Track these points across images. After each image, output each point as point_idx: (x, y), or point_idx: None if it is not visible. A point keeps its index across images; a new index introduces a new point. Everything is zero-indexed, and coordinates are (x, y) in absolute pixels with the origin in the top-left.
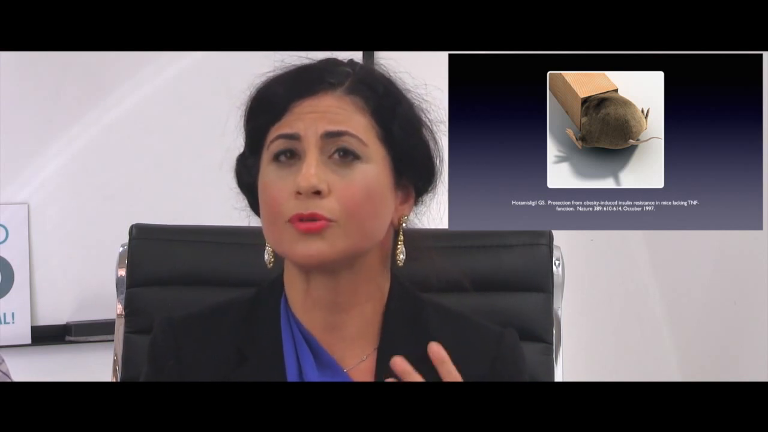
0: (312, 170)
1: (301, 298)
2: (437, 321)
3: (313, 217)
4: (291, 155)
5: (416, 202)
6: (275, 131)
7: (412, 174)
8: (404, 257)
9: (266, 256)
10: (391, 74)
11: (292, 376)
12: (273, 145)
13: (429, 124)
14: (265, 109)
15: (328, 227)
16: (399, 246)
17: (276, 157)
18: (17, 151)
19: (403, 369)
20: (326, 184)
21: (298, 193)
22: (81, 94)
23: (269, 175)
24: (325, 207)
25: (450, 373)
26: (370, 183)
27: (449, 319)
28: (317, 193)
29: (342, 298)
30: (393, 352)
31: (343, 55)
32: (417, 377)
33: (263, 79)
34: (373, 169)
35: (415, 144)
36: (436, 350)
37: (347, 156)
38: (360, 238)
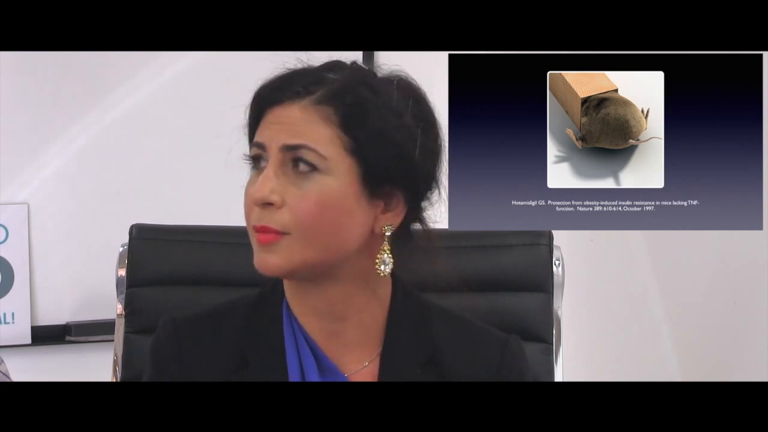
0: (266, 182)
1: (298, 304)
2: (441, 326)
3: (264, 230)
4: (261, 163)
5: (413, 209)
6: (255, 137)
7: (394, 183)
8: (386, 268)
9: None
10: (388, 78)
11: (294, 379)
12: (251, 151)
13: (425, 134)
14: (252, 113)
15: (280, 240)
16: (379, 256)
17: (252, 163)
18: (17, 151)
19: None
20: (279, 195)
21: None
22: (81, 94)
23: (248, 182)
24: (276, 219)
25: None
26: (327, 195)
27: (453, 324)
28: (270, 204)
29: (336, 308)
30: (396, 358)
31: (343, 56)
32: None
33: (263, 80)
34: (333, 181)
35: (389, 153)
36: None
37: (305, 167)
38: (320, 250)
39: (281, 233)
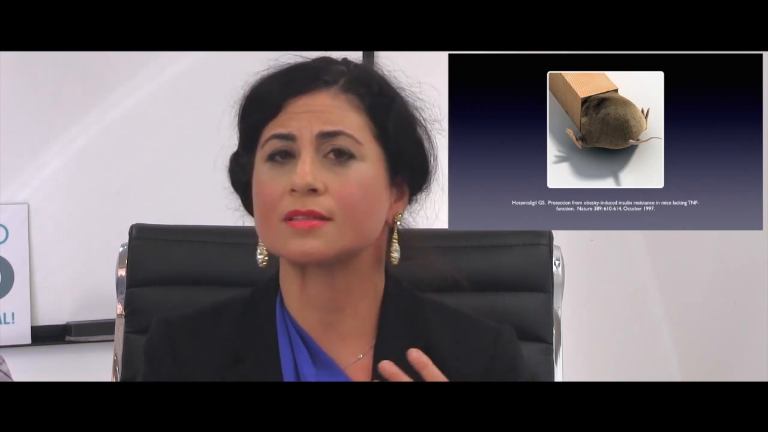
0: (307, 168)
1: (296, 296)
2: (434, 318)
3: (310, 215)
4: (285, 155)
5: (410, 201)
6: (270, 130)
7: (407, 172)
8: (399, 256)
9: (258, 257)
10: (386, 72)
11: (288, 374)
12: (267, 145)
13: (423, 122)
14: (260, 107)
15: (323, 226)
16: (393, 244)
17: (271, 157)
18: (17, 151)
19: (392, 372)
20: (322, 182)
21: (293, 191)
22: (81, 94)
23: (264, 174)
24: (322, 204)
25: (433, 375)
26: (366, 181)
27: (446, 316)
28: (313, 191)
29: (338, 296)
30: (390, 350)
31: (344, 55)
32: (405, 378)
33: (257, 77)
34: (369, 167)
35: (409, 142)
36: (416, 356)
37: (342, 155)
38: (356, 236)
39: (326, 218)
